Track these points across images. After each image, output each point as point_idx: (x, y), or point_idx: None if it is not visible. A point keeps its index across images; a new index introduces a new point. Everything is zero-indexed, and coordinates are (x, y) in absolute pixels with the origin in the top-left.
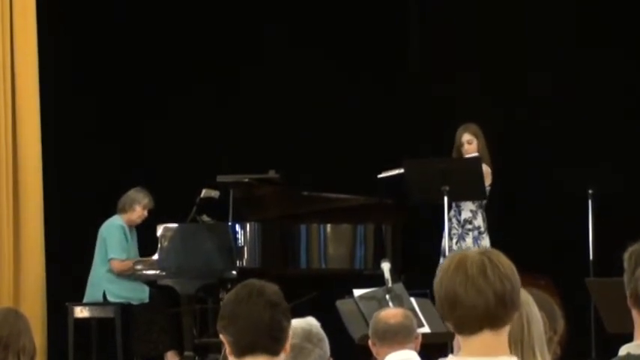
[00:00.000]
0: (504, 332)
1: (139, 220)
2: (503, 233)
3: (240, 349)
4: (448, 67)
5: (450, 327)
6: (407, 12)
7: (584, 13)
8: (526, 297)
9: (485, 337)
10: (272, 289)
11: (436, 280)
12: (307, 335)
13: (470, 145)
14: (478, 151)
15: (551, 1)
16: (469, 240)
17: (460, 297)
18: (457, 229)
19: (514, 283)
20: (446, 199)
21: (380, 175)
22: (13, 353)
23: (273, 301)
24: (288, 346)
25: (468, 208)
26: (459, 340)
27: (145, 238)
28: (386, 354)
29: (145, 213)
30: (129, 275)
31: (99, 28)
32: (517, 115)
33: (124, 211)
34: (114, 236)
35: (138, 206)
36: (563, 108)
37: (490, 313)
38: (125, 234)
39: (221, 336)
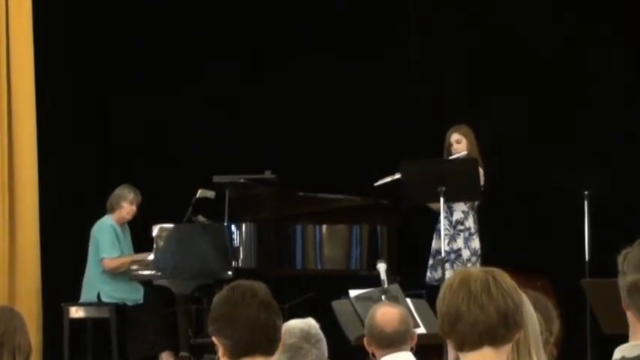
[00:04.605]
0: (505, 351)
1: (128, 217)
2: (499, 234)
3: (238, 352)
4: (446, 68)
5: (451, 344)
6: (406, 15)
7: (583, 15)
8: (522, 298)
9: (486, 353)
10: (263, 289)
11: (439, 296)
12: (305, 336)
13: (459, 144)
14: (467, 151)
15: (551, 2)
16: (460, 241)
17: (462, 313)
18: (449, 230)
19: (517, 302)
20: (442, 200)
21: (376, 183)
22: (9, 351)
23: (266, 301)
24: (280, 344)
25: (459, 209)
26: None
27: (140, 238)
28: (382, 355)
29: (134, 208)
30: (124, 275)
31: (94, 23)
32: (513, 117)
33: (112, 210)
34: (104, 236)
35: (125, 202)
36: (559, 109)
37: (491, 331)
38: (116, 233)
39: (214, 339)
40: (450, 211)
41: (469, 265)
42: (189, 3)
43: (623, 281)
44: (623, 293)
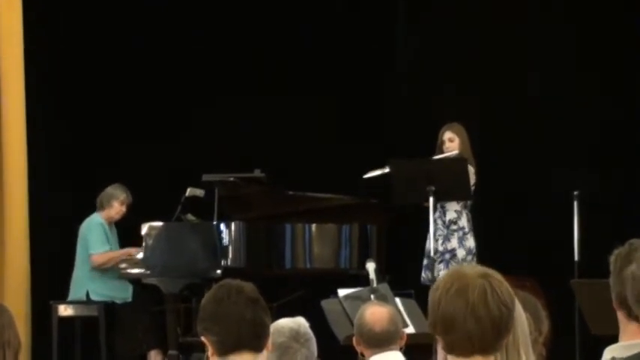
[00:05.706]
0: (493, 356)
1: (117, 217)
2: (489, 234)
3: (225, 348)
4: (436, 66)
5: (441, 344)
6: (395, 11)
7: (578, 18)
8: (515, 302)
9: None
10: (249, 286)
11: (434, 298)
12: (294, 335)
13: (451, 142)
14: (459, 150)
15: (545, 1)
16: (454, 241)
17: (457, 322)
18: (442, 230)
19: (510, 309)
20: (431, 199)
21: (365, 176)
22: None
23: (253, 297)
24: (269, 342)
25: (452, 209)
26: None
27: (129, 236)
28: (371, 354)
29: (124, 209)
30: (113, 273)
31: (94, 23)
32: (503, 116)
33: (102, 207)
34: (94, 233)
35: (115, 202)
36: (550, 110)
37: (485, 341)
38: (105, 231)
39: (203, 337)
40: (443, 211)
41: (465, 264)
42: (189, 3)
43: (626, 272)
44: (614, 291)
